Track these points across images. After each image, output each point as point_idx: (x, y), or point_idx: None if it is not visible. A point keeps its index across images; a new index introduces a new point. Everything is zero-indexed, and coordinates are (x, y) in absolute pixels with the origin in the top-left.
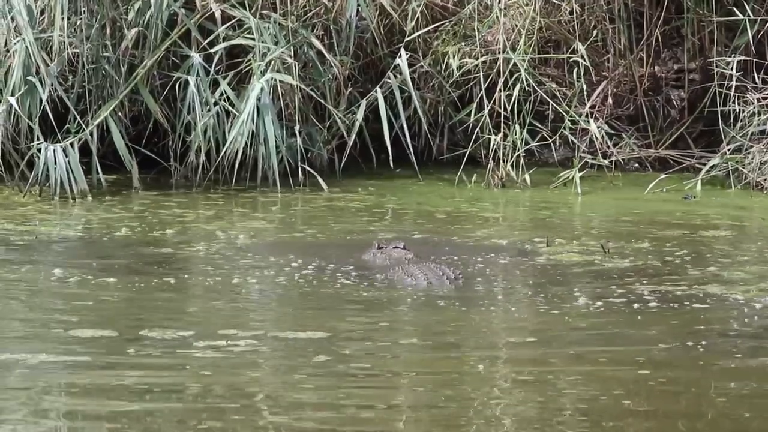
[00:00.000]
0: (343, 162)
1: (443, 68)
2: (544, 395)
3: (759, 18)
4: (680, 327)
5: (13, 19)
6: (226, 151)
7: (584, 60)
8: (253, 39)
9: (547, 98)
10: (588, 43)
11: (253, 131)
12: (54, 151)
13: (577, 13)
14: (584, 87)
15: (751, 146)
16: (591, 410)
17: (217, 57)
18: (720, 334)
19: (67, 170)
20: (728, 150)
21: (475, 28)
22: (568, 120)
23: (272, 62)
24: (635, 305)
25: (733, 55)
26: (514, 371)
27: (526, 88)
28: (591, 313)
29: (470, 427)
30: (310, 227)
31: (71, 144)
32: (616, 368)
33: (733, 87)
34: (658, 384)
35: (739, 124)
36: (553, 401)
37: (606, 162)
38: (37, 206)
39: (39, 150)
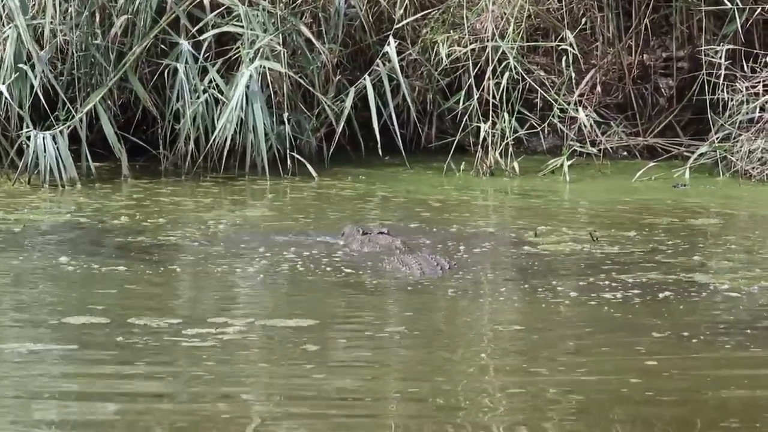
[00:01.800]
0: (332, 150)
1: (432, 56)
2: (535, 384)
3: (747, 6)
4: (670, 316)
5: (4, 6)
6: (215, 138)
7: (573, 48)
8: (242, 26)
9: (535, 86)
10: (576, 31)
11: (242, 119)
12: (43, 138)
13: (565, 1)
14: (573, 75)
15: (740, 134)
16: (582, 399)
17: (206, 44)
18: (710, 323)
19: (56, 158)
20: (717, 138)
21: (464, 16)
22: (557, 108)
23: (261, 50)
24: (624, 294)
25: (721, 44)
26: (506, 360)
27: (515, 76)
28: (580, 302)
29: (461, 416)
30: (306, 215)
31: (60, 131)
32: (608, 357)
33: (722, 75)
34: (650, 373)
35: (727, 113)
36: (544, 389)
37: (594, 150)
38: (26, 193)
39: (28, 137)
